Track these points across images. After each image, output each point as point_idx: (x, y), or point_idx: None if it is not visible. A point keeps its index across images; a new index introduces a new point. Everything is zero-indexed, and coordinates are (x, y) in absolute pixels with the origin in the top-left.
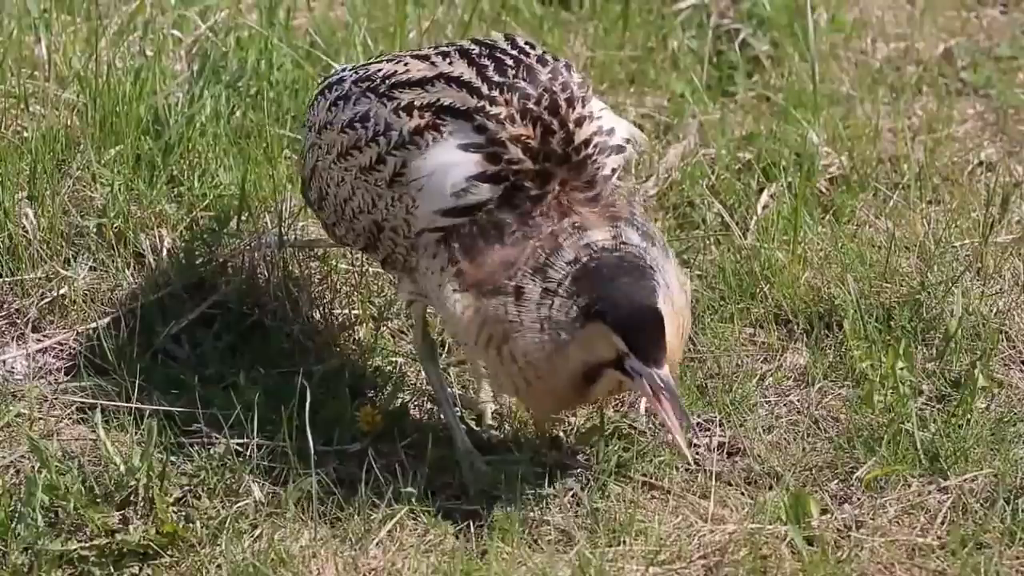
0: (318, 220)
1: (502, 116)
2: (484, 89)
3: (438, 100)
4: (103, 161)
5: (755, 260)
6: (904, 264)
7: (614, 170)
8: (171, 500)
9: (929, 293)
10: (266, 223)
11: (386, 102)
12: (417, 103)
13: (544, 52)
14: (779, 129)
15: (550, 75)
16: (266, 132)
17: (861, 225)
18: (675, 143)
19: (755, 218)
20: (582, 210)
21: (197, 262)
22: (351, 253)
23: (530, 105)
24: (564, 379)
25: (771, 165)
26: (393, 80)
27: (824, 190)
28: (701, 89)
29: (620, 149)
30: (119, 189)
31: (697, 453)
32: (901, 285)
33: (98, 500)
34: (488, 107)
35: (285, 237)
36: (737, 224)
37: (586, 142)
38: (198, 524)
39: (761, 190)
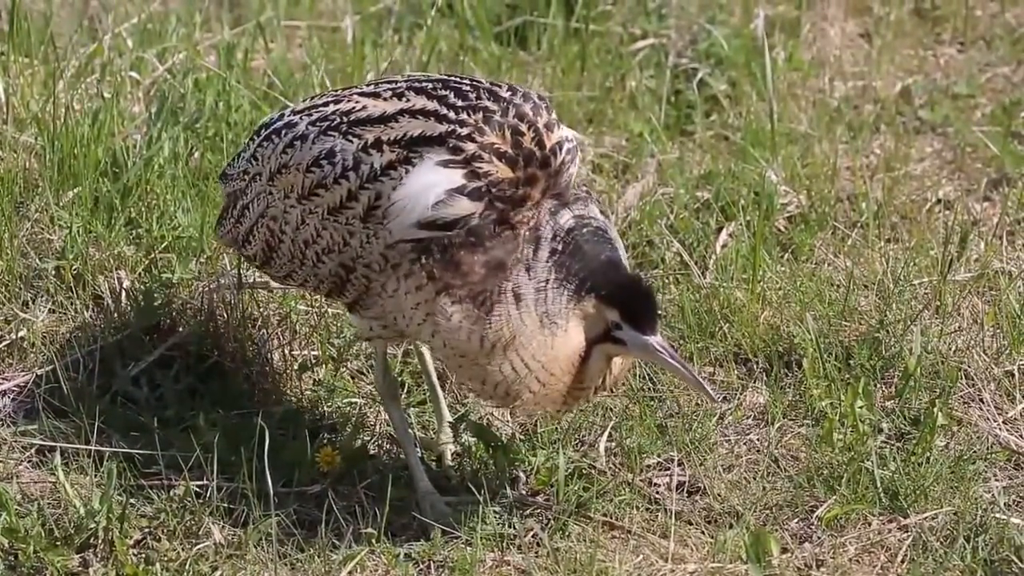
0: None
1: (472, 133)
2: (451, 115)
3: (406, 133)
4: (61, 203)
5: (714, 299)
6: (863, 302)
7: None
8: (131, 542)
9: (888, 331)
10: (225, 265)
11: (352, 139)
12: (385, 138)
13: (495, 81)
14: (737, 168)
15: (510, 92)
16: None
17: (820, 263)
18: (634, 182)
19: (714, 257)
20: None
21: (156, 304)
22: (310, 294)
23: (496, 118)
24: (567, 365)
25: (730, 204)
26: (353, 117)
27: (782, 229)
28: (659, 128)
29: (576, 158)
30: (77, 231)
31: (657, 492)
32: (860, 323)
33: (58, 543)
34: (459, 129)
35: (244, 278)
36: (696, 263)
37: (559, 146)
38: (158, 566)
39: (720, 229)
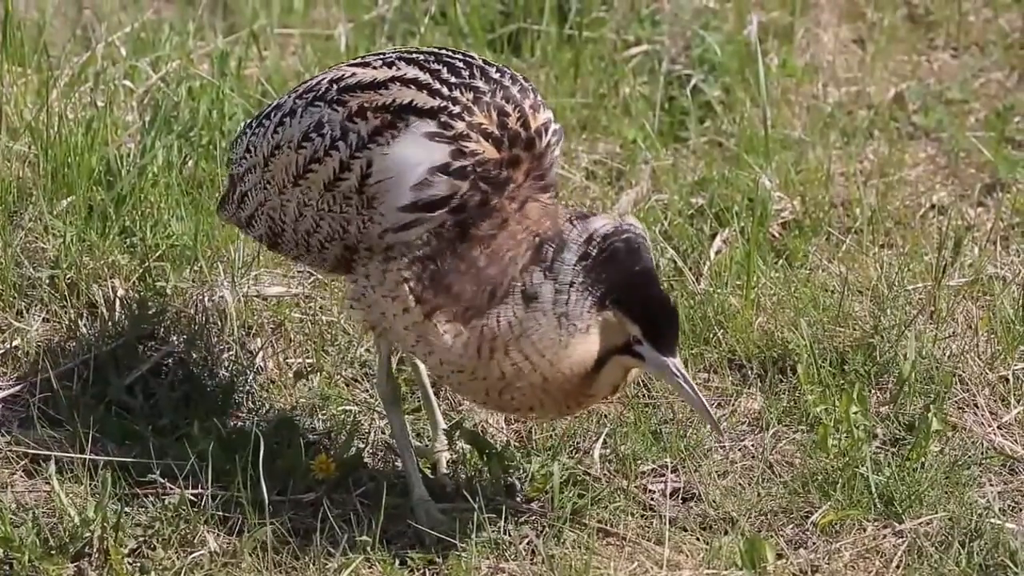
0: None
1: (463, 112)
2: (444, 91)
3: (395, 100)
4: (55, 212)
5: (708, 305)
6: (857, 308)
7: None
8: (126, 551)
9: (882, 337)
10: (219, 272)
11: (338, 107)
12: (370, 104)
13: (487, 60)
14: (731, 174)
15: (499, 73)
16: (218, 181)
17: (814, 269)
18: (628, 189)
19: (708, 263)
20: (554, 204)
21: (150, 312)
22: (304, 302)
23: (485, 98)
24: (578, 369)
25: (724, 210)
26: (342, 84)
27: (777, 235)
28: (653, 135)
29: (560, 141)
30: (71, 240)
31: (652, 499)
32: (854, 329)
33: (53, 552)
34: (451, 106)
35: (237, 286)
36: (690, 269)
37: (545, 128)
38: (153, 575)
39: (714, 235)
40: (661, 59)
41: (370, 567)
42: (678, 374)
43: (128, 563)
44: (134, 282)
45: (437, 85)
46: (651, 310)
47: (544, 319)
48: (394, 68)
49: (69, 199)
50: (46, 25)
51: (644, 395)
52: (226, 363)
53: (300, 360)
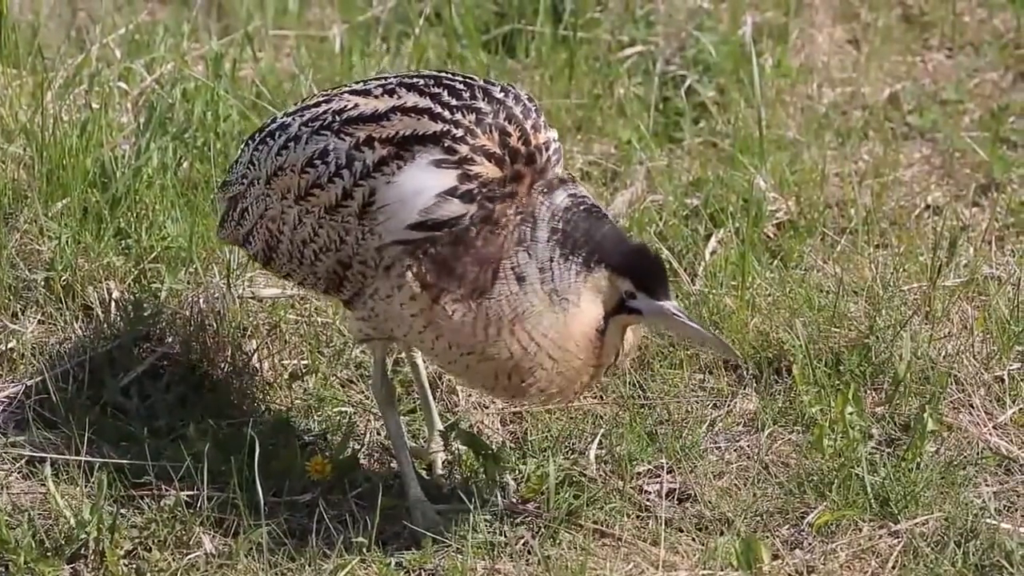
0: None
1: (466, 135)
2: (446, 114)
3: (398, 132)
4: (50, 214)
5: (704, 306)
6: (852, 308)
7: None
8: (121, 553)
9: (878, 337)
10: (214, 274)
11: (344, 137)
12: (376, 135)
13: (489, 80)
14: (726, 175)
15: (502, 93)
16: (213, 183)
17: (809, 270)
18: (623, 190)
19: (703, 264)
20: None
21: (145, 314)
22: (299, 303)
23: (487, 120)
24: (583, 341)
25: (719, 211)
26: (345, 116)
27: (772, 235)
28: (648, 136)
29: (560, 159)
30: (66, 242)
31: (648, 500)
32: (850, 329)
33: (48, 554)
34: (454, 130)
35: (233, 288)
36: (685, 270)
37: (545, 145)
38: None
39: (709, 236)
40: (656, 60)
41: (366, 568)
42: (679, 315)
43: (124, 565)
44: (129, 284)
45: (438, 109)
46: (636, 260)
47: (537, 299)
48: (395, 96)
49: (64, 201)
50: (41, 27)
51: (639, 396)
52: (221, 365)
53: (295, 361)
